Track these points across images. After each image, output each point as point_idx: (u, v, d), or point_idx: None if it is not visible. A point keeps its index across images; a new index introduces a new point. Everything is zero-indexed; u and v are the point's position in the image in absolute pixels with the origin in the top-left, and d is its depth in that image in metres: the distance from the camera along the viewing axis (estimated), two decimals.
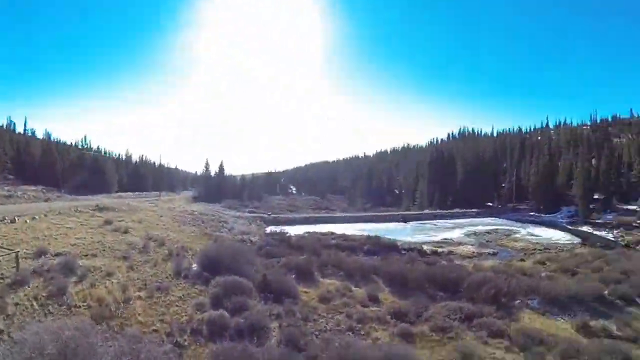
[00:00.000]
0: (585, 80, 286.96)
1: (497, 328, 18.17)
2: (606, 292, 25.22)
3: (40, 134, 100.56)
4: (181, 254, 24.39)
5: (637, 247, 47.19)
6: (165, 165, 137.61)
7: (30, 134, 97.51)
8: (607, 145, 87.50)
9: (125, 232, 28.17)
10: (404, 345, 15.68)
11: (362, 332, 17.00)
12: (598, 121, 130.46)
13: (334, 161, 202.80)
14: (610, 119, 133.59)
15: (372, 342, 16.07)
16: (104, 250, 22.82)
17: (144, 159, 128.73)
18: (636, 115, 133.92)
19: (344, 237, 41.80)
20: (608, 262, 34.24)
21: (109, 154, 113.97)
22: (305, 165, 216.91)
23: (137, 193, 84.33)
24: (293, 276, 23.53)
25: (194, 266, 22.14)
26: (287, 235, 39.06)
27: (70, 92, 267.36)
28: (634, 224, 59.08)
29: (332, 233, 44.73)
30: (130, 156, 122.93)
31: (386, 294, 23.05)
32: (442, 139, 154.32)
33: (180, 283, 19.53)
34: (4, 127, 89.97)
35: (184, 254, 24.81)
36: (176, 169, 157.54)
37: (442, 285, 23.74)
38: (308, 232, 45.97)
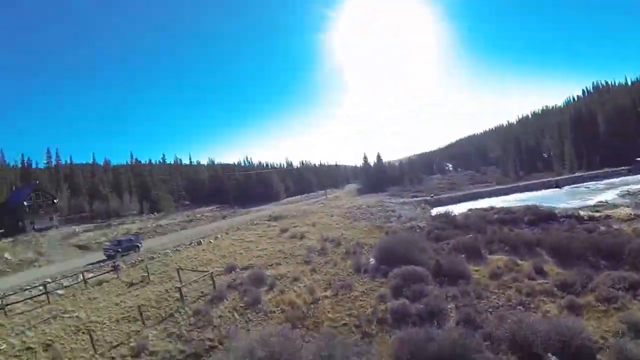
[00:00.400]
0: None
1: None
2: None
3: (205, 163, 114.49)
4: (357, 250, 26.48)
5: None
6: (326, 164, 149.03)
7: (196, 164, 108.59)
8: None
9: (302, 237, 30.48)
10: (572, 317, 16.22)
11: (532, 306, 18.38)
12: None
13: (481, 133, 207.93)
14: None
15: (542, 316, 17.07)
16: (286, 257, 25.25)
17: (304, 162, 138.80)
18: None
19: (504, 210, 43.88)
20: None
21: (272, 165, 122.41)
22: (456, 141, 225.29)
23: (304, 195, 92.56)
24: (463, 256, 25.76)
25: (372, 261, 24.25)
26: (452, 215, 42.27)
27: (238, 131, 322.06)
28: None
29: (493, 208, 46.88)
30: (291, 163, 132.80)
31: (551, 265, 24.26)
32: (578, 96, 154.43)
33: (361, 278, 21.83)
34: (173, 162, 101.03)
35: (360, 250, 26.85)
36: (336, 165, 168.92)
37: (604, 254, 24.42)
38: (470, 210, 48.13)
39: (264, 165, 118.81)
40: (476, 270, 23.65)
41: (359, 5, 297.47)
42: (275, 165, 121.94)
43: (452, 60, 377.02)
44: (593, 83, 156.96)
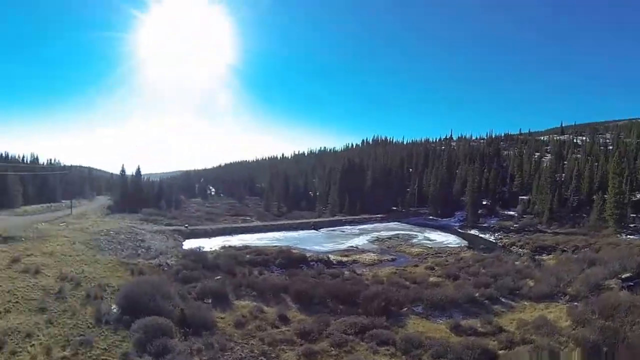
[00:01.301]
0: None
1: (386, 337, 25.65)
2: (477, 294, 35.67)
3: None
4: (99, 294, 27.45)
5: (512, 249, 65.51)
6: (78, 166, 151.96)
7: None
8: (496, 159, 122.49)
9: (37, 272, 30.11)
10: None
11: (273, 355, 22.68)
12: (493, 137, 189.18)
13: (253, 161, 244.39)
14: (503, 135, 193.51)
15: None
16: (17, 302, 24.77)
17: (53, 161, 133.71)
18: (523, 132, 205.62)
19: (257, 250, 52.66)
20: (485, 265, 48.08)
21: (10, 157, 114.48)
22: (227, 164, 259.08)
23: (46, 206, 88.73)
24: (210, 301, 30.03)
25: (114, 308, 25.42)
26: (203, 253, 47.78)
27: None
28: (512, 227, 79.78)
29: (247, 247, 56.06)
30: (37, 159, 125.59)
31: (294, 312, 30.34)
32: (356, 144, 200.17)
33: (103, 331, 22.64)
34: None
35: (102, 294, 27.93)
36: (90, 170, 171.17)
37: (342, 299, 32.27)
38: (224, 247, 55.98)
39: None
40: (222, 318, 27.27)
41: (165, 12, 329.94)
42: (17, 160, 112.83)
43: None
44: (374, 136, 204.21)
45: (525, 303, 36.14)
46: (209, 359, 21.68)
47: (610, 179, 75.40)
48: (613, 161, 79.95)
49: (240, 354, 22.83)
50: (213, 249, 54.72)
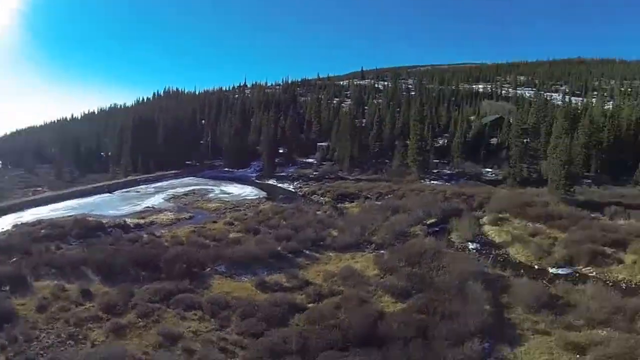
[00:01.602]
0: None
1: (191, 301, 28.96)
2: (279, 248, 40.57)
3: None
4: None
5: (313, 197, 72.73)
6: None
7: None
8: (293, 105, 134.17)
9: None
10: (117, 342, 24.27)
11: (81, 337, 24.84)
12: (289, 82, 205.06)
13: (42, 126, 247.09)
14: (299, 81, 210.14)
15: (91, 346, 23.99)
16: None
17: None
18: (322, 77, 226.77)
19: (52, 224, 53.62)
20: (285, 217, 53.28)
21: None
22: (12, 133, 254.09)
23: None
24: (7, 288, 30.80)
25: None
26: None
27: None
28: (311, 175, 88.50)
29: (41, 221, 56.73)
30: None
31: (97, 285, 32.53)
32: (147, 98, 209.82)
33: None
34: None
35: None
36: None
37: (144, 265, 35.20)
38: (16, 225, 56.20)
39: None
40: (22, 305, 28.37)
41: None
42: None
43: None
44: (165, 87, 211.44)
45: (331, 254, 41.59)
46: (15, 354, 22.80)
47: (412, 125, 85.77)
48: (415, 107, 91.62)
49: (47, 342, 24.48)
50: (4, 229, 54.81)
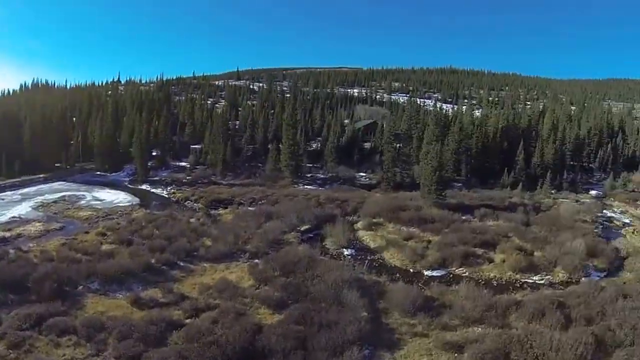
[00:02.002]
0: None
1: (65, 325, 26.98)
2: (153, 260, 39.42)
3: None
4: None
5: (187, 203, 70.92)
6: None
7: None
8: (167, 105, 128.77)
9: None
10: None
11: None
12: (164, 80, 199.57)
13: None
14: (175, 79, 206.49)
15: None
16: None
17: None
18: (197, 75, 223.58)
19: None
20: (158, 225, 51.65)
21: None
22: None
23: None
24: None
25: None
26: None
27: None
28: (184, 180, 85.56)
29: None
30: None
31: None
32: (14, 90, 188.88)
33: None
34: None
35: None
36: None
37: (12, 287, 32.15)
38: None
39: None
40: None
41: None
42: None
43: None
44: (33, 80, 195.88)
45: (205, 265, 41.24)
46: None
47: (284, 130, 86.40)
48: (287, 112, 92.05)
49: None
50: None
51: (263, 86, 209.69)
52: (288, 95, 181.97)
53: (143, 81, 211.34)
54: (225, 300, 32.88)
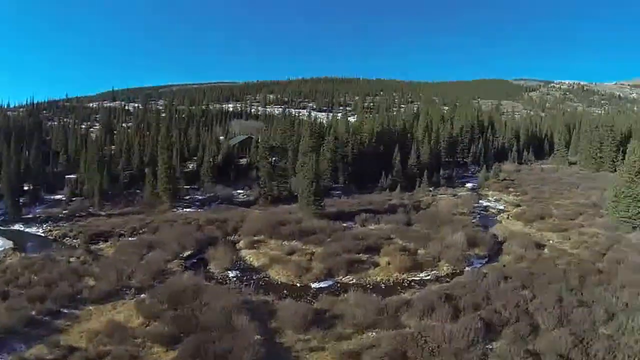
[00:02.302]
0: None
1: None
2: (34, 312, 36.43)
3: None
4: None
5: (65, 240, 65.08)
6: None
7: None
8: (38, 133, 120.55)
9: None
10: None
11: None
12: (35, 104, 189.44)
13: None
14: (46, 102, 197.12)
15: None
16: None
17: None
18: (70, 97, 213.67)
19: None
20: (36, 271, 47.36)
21: None
22: None
23: None
24: None
25: None
26: None
27: None
28: (61, 215, 78.20)
29: None
30: None
31: None
32: None
33: None
34: None
35: None
36: None
37: None
38: None
39: None
40: None
41: None
42: None
43: None
44: None
45: (91, 308, 38.76)
46: None
47: (160, 153, 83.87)
48: (162, 134, 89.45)
49: None
50: None
51: (139, 106, 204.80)
52: (164, 115, 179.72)
53: (11, 106, 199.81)
54: (116, 344, 31.48)
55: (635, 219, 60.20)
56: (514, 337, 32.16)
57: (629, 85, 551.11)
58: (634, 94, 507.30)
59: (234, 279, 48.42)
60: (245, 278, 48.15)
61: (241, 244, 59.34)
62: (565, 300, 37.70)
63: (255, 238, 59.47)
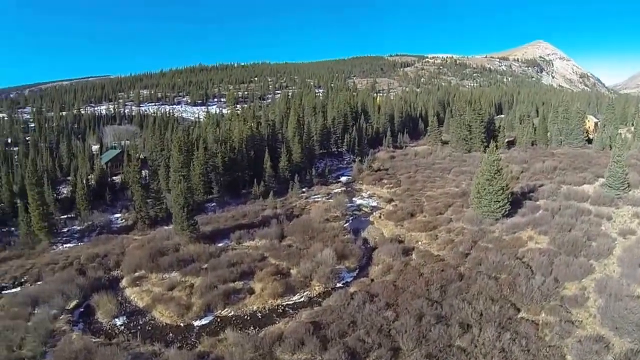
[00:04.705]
0: None
1: None
2: None
3: None
4: None
5: None
6: None
7: None
8: None
9: None
10: None
11: None
12: None
13: None
14: None
15: None
16: None
17: None
18: None
19: None
20: None
21: None
22: None
23: None
24: None
25: None
26: None
27: None
28: None
29: None
30: None
31: None
32: None
33: None
34: None
35: None
36: None
37: None
38: None
39: None
40: None
41: None
42: None
43: None
44: None
45: None
46: None
47: (29, 189, 77.43)
48: (28, 170, 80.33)
49: None
50: None
51: (4, 118, 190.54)
52: (33, 125, 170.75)
53: None
54: None
55: (497, 213, 67.53)
56: None
57: (497, 58, 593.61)
58: (503, 66, 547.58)
59: (122, 326, 46.97)
60: (132, 324, 47.19)
61: (124, 282, 57.86)
62: (426, 317, 41.79)
63: (137, 274, 58.95)
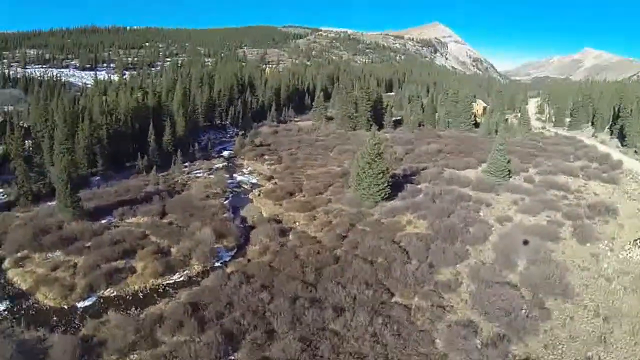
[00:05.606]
0: None
1: None
2: None
3: None
4: None
5: None
6: None
7: None
8: None
9: None
10: None
11: None
12: None
13: None
14: None
15: None
16: None
17: None
18: None
19: None
20: None
21: None
22: None
23: None
24: None
25: None
26: None
27: None
28: None
29: None
30: None
31: None
32: None
33: None
34: None
35: None
36: None
37: None
38: None
39: None
40: None
41: None
42: None
43: None
44: None
45: None
46: None
47: None
48: None
49: None
50: None
51: None
52: None
53: None
54: None
55: (376, 196, 68.83)
56: (251, 347, 36.03)
57: (393, 35, 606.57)
58: (397, 44, 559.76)
59: (5, 311, 43.69)
60: (16, 309, 43.98)
61: (7, 263, 53.69)
62: (300, 299, 42.75)
63: (20, 255, 54.89)
